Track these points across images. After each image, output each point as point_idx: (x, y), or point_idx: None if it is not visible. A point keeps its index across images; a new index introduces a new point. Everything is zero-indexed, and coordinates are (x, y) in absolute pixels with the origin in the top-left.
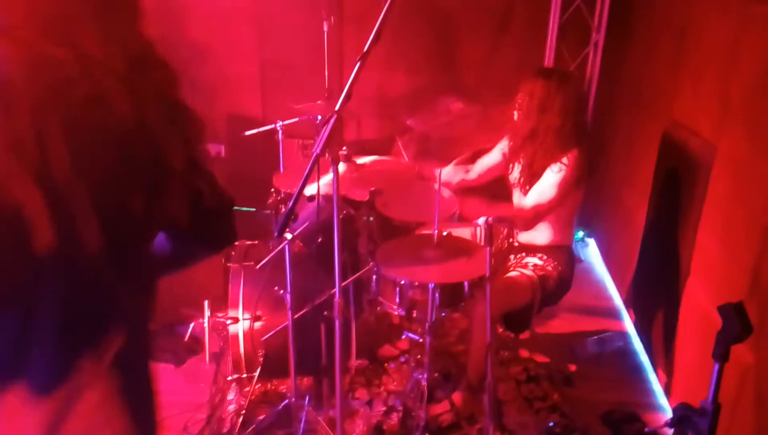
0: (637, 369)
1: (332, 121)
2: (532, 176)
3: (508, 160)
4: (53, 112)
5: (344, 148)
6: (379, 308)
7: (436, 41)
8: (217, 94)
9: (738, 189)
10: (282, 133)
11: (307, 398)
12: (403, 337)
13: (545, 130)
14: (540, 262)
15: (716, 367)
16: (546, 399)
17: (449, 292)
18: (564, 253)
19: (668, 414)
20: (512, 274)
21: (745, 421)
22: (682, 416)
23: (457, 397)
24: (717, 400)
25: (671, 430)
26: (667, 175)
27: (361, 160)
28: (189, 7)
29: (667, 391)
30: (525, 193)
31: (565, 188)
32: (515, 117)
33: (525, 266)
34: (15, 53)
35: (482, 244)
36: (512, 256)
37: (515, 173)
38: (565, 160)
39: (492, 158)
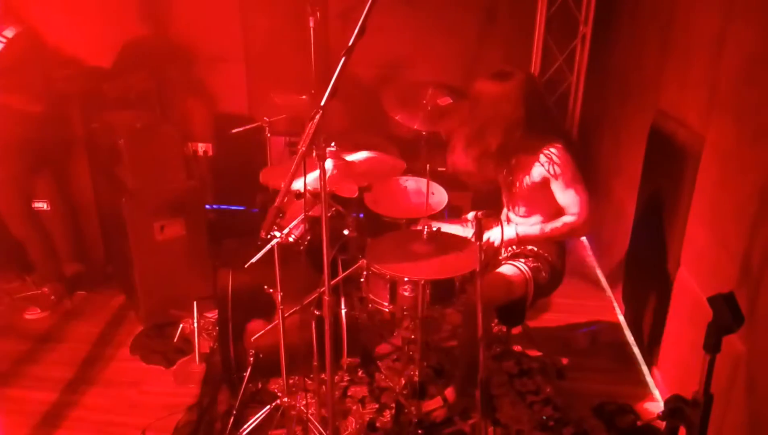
0: (629, 361)
1: (318, 117)
2: (515, 171)
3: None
4: None
5: (332, 144)
6: (369, 305)
7: (424, 35)
8: (204, 92)
9: (726, 178)
10: (269, 130)
11: (298, 397)
12: (395, 333)
13: (502, 123)
14: (532, 255)
15: (708, 358)
16: (539, 392)
17: (440, 288)
18: (555, 246)
19: (660, 405)
20: (505, 267)
21: (738, 410)
22: (675, 408)
23: (449, 392)
24: (709, 392)
25: (664, 422)
26: (656, 165)
27: (351, 157)
28: (174, 6)
29: (659, 382)
30: (511, 190)
31: (576, 174)
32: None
33: (517, 259)
34: None
35: (472, 239)
36: (503, 250)
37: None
38: (554, 157)
39: None
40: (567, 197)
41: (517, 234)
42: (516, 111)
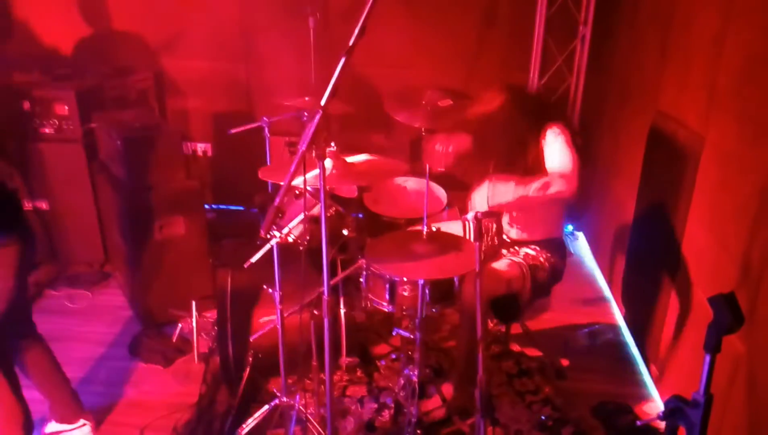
0: (628, 361)
1: (318, 117)
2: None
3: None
4: None
5: (332, 144)
6: (369, 305)
7: (423, 36)
8: (203, 92)
9: (726, 179)
10: (268, 131)
11: (297, 397)
12: (394, 333)
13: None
14: (533, 253)
15: (708, 358)
16: (538, 392)
17: (440, 288)
18: (556, 246)
19: (659, 405)
20: (503, 262)
21: (738, 410)
22: (674, 408)
23: (448, 392)
24: (709, 392)
25: (663, 422)
26: (656, 166)
27: (351, 159)
28: (175, 6)
29: (659, 382)
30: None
31: (572, 144)
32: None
33: (516, 255)
34: None
35: (471, 239)
36: (504, 251)
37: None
38: (554, 129)
39: None
40: (556, 158)
41: (493, 202)
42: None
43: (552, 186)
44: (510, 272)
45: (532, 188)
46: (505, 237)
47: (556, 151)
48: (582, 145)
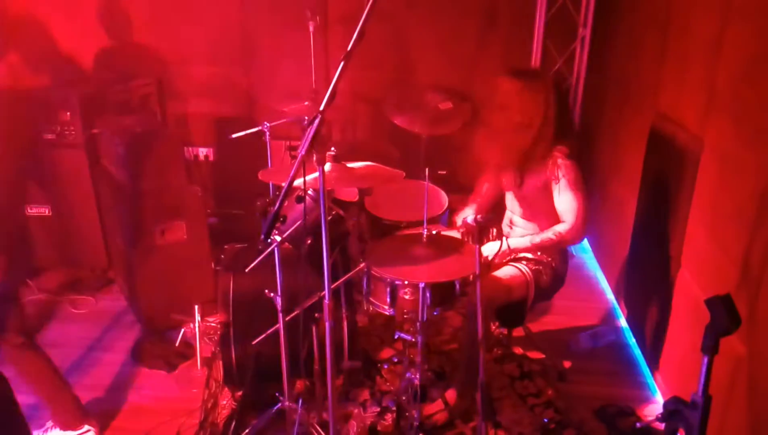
0: (630, 363)
1: (317, 121)
2: (523, 174)
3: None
4: None
5: (332, 148)
6: (370, 309)
7: (424, 40)
8: (205, 97)
9: (725, 180)
10: (269, 135)
11: (299, 401)
12: (396, 337)
13: (511, 127)
14: (534, 258)
15: (705, 360)
16: (540, 395)
17: (441, 291)
18: (557, 249)
19: (661, 407)
20: (507, 269)
21: (739, 412)
22: (674, 410)
23: (450, 395)
24: (707, 393)
25: (663, 424)
26: (656, 168)
27: (352, 165)
28: (176, 12)
29: (661, 384)
30: (517, 193)
31: (579, 181)
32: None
33: (519, 261)
34: None
35: (472, 242)
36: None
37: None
38: (559, 161)
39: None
40: (565, 204)
41: (509, 247)
42: (546, 112)
43: (562, 240)
44: (513, 281)
45: (540, 239)
46: (506, 240)
47: (564, 198)
48: (582, 153)
